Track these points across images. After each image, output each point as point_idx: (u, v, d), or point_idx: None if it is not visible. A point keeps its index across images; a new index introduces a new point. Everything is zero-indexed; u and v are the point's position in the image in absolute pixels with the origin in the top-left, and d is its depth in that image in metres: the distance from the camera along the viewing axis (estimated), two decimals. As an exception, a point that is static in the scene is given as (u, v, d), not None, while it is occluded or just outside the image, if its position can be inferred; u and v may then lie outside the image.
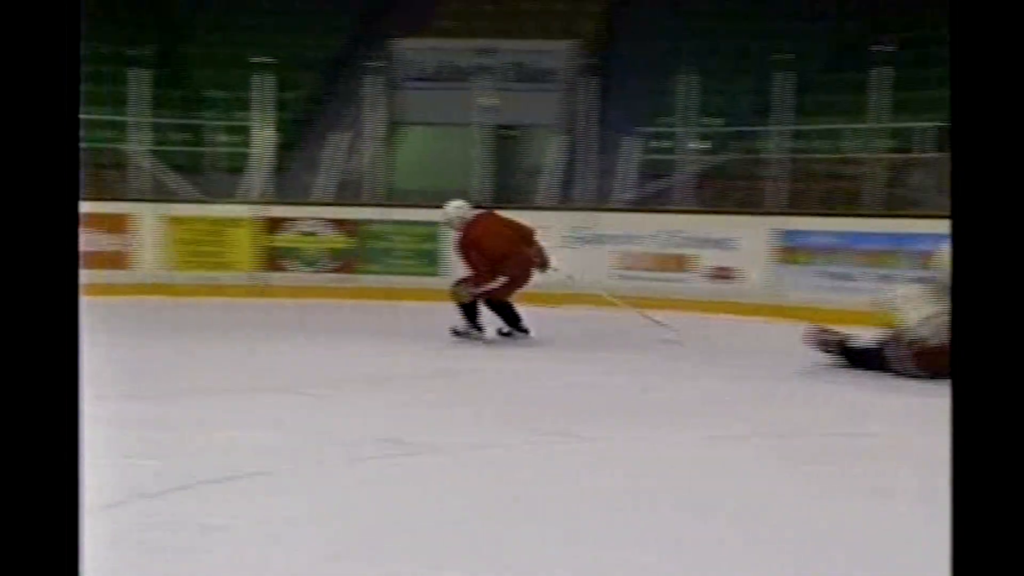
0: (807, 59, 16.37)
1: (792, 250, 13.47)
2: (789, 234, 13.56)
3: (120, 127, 16.51)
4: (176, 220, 15.00)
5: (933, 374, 8.48)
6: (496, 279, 10.89)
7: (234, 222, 15.17)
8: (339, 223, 15.28)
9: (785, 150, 15.15)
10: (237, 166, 16.86)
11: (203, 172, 17.26)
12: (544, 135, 18.03)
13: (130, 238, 14.86)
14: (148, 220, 14.87)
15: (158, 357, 9.81)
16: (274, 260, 15.17)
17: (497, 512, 5.11)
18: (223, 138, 17.98)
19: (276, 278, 15.09)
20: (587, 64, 17.10)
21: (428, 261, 14.93)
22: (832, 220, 13.61)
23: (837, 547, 4.63)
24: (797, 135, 15.65)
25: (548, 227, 14.72)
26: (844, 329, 9.79)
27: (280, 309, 13.81)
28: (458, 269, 11.57)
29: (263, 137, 16.02)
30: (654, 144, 16.96)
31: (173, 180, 16.45)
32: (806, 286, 13.21)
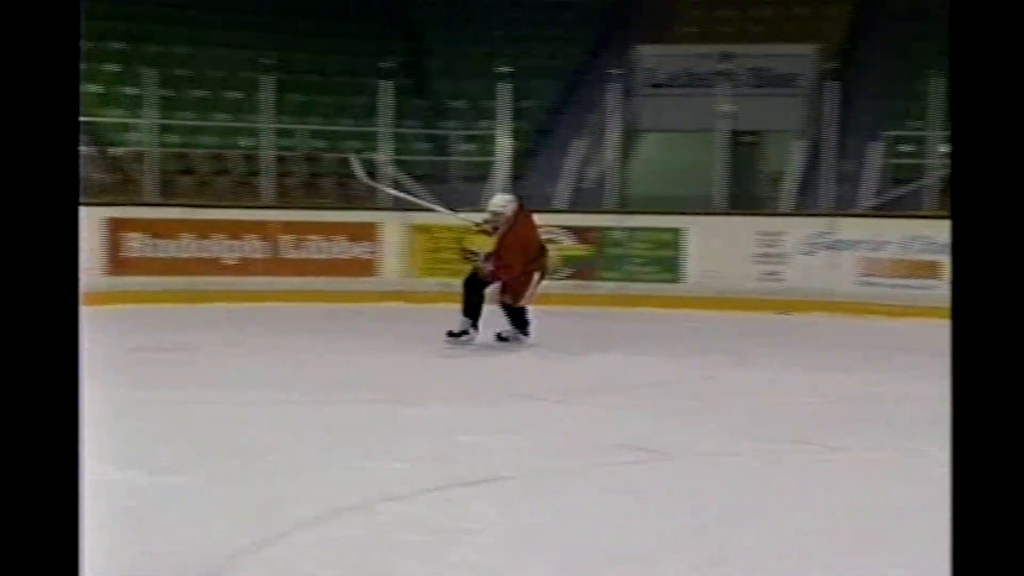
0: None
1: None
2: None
3: (368, 137, 16.99)
4: (419, 228, 15.33)
5: None
6: (531, 279, 10.94)
7: (475, 230, 15.38)
8: (577, 230, 15.37)
9: None
10: (478, 175, 17.13)
11: (446, 181, 17.60)
12: (784, 140, 17.76)
13: (376, 246, 15.26)
14: (393, 229, 15.24)
15: (400, 363, 10.05)
16: (513, 267, 15.32)
17: (745, 520, 5.07)
18: (465, 147, 18.31)
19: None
20: (829, 68, 16.78)
21: (667, 268, 14.89)
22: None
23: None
24: None
25: (788, 233, 14.56)
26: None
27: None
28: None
29: (503, 146, 16.23)
30: (900, 148, 16.53)
31: (417, 189, 16.83)
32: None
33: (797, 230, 14.16)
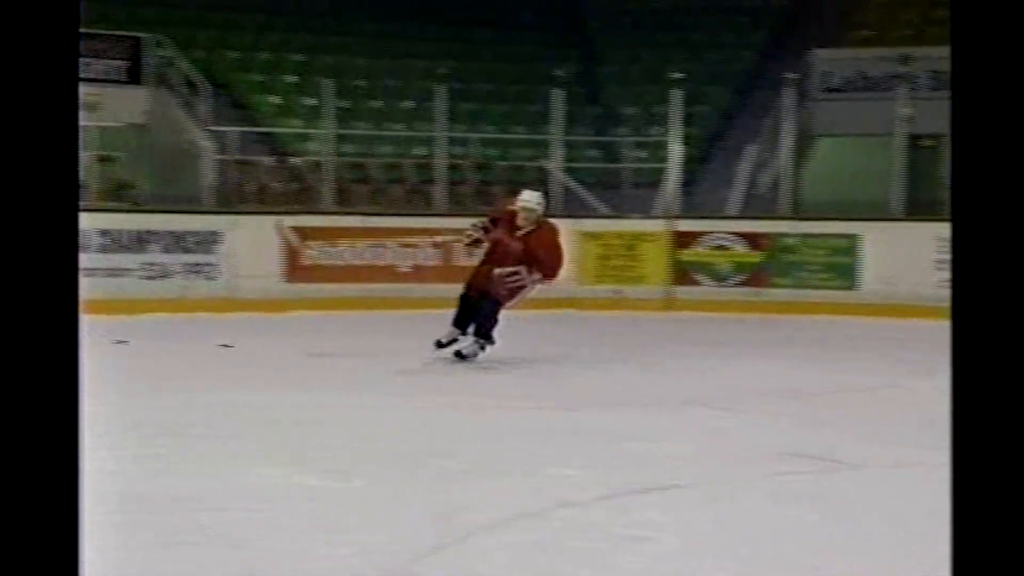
0: None
1: None
2: None
3: (539, 145, 17.09)
4: (590, 235, 15.36)
5: None
6: (538, 283, 10.21)
7: (646, 237, 15.39)
8: (750, 236, 15.22)
9: None
10: (649, 181, 17.09)
11: (617, 188, 17.60)
12: (964, 144, 17.30)
13: (547, 252, 15.30)
14: (564, 235, 15.26)
15: (568, 369, 10.09)
16: (684, 274, 15.27)
17: (926, 532, 4.96)
18: (636, 154, 18.28)
19: (685, 292, 15.19)
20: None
21: (842, 274, 14.66)
22: None
23: None
24: None
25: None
26: None
27: (690, 323, 13.90)
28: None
29: (675, 152, 16.17)
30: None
31: (588, 196, 16.88)
32: None
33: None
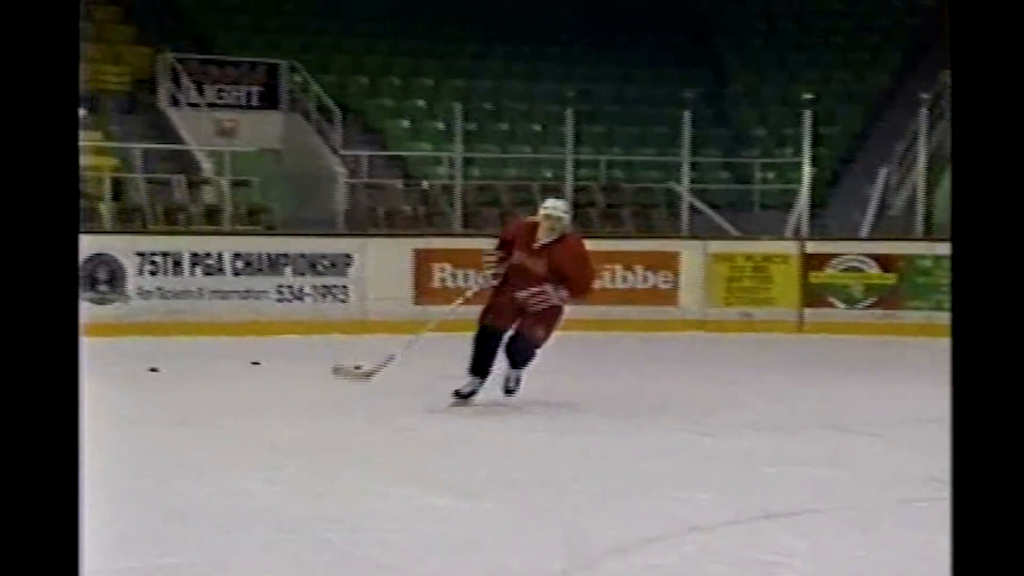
0: None
1: None
2: None
3: (668, 167, 17.04)
4: (719, 257, 15.25)
5: None
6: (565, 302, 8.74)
7: (776, 258, 15.23)
8: (883, 258, 14.97)
9: None
10: (779, 203, 16.92)
11: (748, 210, 17.46)
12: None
13: (675, 275, 15.25)
14: (692, 258, 15.20)
15: (700, 391, 10.01)
16: (815, 296, 15.07)
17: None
18: (765, 175, 18.13)
19: (816, 314, 14.99)
20: None
21: (978, 298, 14.33)
22: None
23: None
24: None
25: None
26: None
27: (821, 345, 13.71)
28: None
29: (805, 174, 15.99)
30: None
31: (717, 218, 16.78)
32: None
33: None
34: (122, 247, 13.43)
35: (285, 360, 11.54)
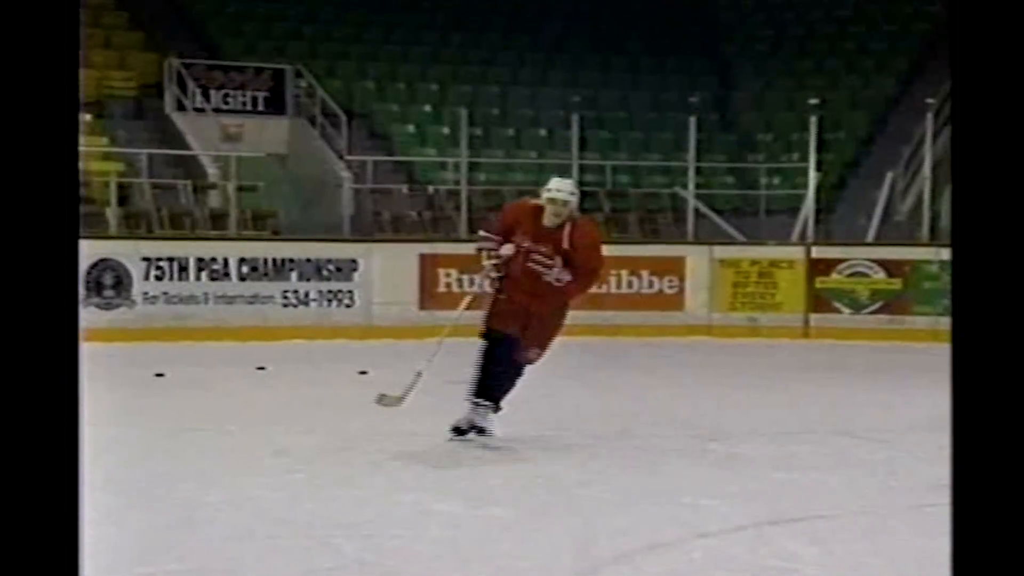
0: None
1: None
2: None
3: (674, 172, 17.05)
4: (724, 262, 15.25)
5: None
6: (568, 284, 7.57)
7: (782, 264, 15.23)
8: (889, 264, 14.98)
9: None
10: (785, 208, 16.92)
11: (753, 215, 17.47)
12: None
13: (681, 280, 15.25)
14: (698, 263, 15.21)
15: (707, 397, 10.00)
16: (821, 301, 15.07)
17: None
18: (771, 180, 18.12)
19: (822, 320, 14.99)
20: None
21: (984, 303, 14.31)
22: None
23: None
24: None
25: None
26: None
27: (828, 351, 13.71)
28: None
29: (811, 179, 15.99)
30: None
31: (723, 223, 16.78)
32: None
33: None
34: (128, 252, 13.45)
35: (291, 365, 11.54)
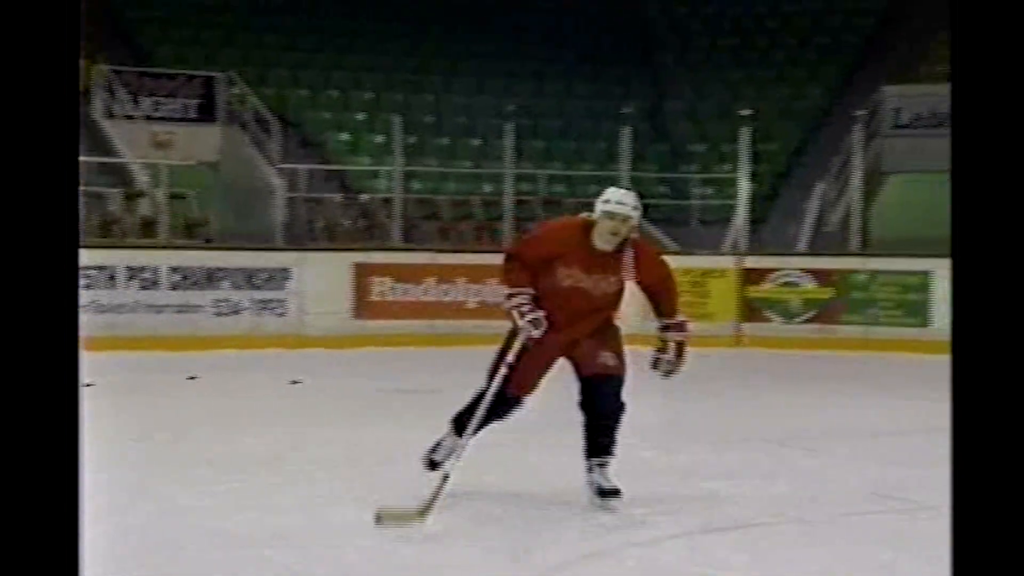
0: None
1: None
2: None
3: (607, 182, 17.03)
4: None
5: None
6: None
7: (714, 273, 15.31)
8: (819, 273, 15.11)
9: None
10: (717, 218, 17.03)
11: (685, 225, 17.56)
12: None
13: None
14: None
15: (637, 406, 10.00)
16: (753, 311, 15.18)
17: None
18: (704, 190, 18.24)
19: (754, 329, 15.09)
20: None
21: (913, 312, 14.49)
22: None
23: None
24: None
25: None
26: None
27: (759, 360, 13.80)
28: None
29: (743, 189, 16.11)
30: None
31: (656, 232, 16.83)
32: None
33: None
34: (57, 260, 13.26)
35: (222, 374, 11.44)
